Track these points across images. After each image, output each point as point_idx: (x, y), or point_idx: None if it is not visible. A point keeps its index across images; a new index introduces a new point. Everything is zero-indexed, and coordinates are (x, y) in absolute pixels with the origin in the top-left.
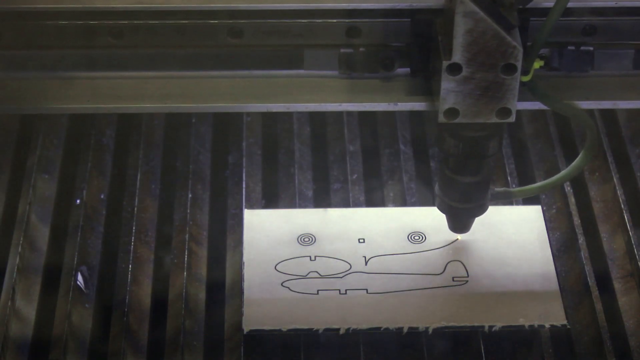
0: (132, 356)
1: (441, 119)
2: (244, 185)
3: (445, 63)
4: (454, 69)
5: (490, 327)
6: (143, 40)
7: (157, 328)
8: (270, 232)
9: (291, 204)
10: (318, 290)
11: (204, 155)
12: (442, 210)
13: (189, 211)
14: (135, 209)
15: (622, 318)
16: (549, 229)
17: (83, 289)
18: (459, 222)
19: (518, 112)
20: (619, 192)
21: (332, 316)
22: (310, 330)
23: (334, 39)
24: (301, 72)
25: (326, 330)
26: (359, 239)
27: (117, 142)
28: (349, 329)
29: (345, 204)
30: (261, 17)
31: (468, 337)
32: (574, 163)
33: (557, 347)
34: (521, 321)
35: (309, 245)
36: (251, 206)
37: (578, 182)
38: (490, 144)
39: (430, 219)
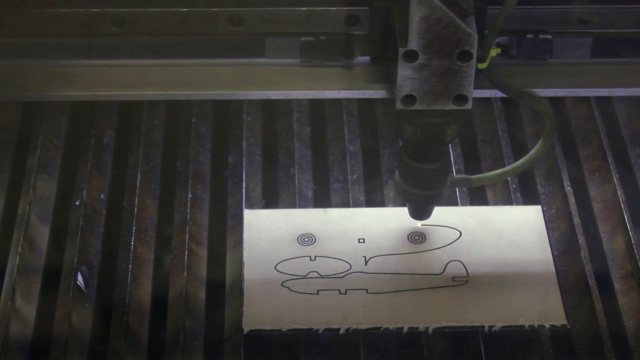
0: (132, 356)
1: (398, 105)
2: (244, 185)
3: (401, 50)
4: (410, 55)
5: (490, 327)
6: (144, 28)
7: (157, 328)
8: (270, 232)
9: (291, 204)
10: (318, 290)
11: (204, 155)
12: (402, 197)
13: (189, 211)
14: (135, 209)
15: (622, 318)
16: (549, 229)
17: (83, 289)
18: (420, 209)
19: (518, 112)
20: (619, 192)
21: (332, 316)
22: (310, 330)
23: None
24: (262, 60)
25: (326, 330)
26: (359, 239)
27: (117, 142)
28: (349, 329)
29: (345, 204)
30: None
31: (468, 337)
32: (532, 151)
33: (557, 347)
34: (521, 321)
35: (309, 245)
36: (251, 206)
37: (578, 182)
38: (448, 130)
39: (430, 219)
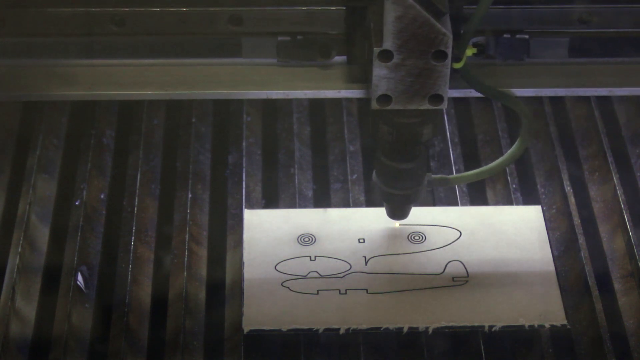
0: (132, 356)
1: (374, 105)
2: (244, 185)
3: (376, 50)
4: (385, 55)
5: (490, 327)
6: (144, 28)
7: (157, 328)
8: (270, 232)
9: (291, 204)
10: (318, 290)
11: (204, 155)
12: (379, 197)
13: (189, 211)
14: (135, 209)
15: (622, 318)
16: (549, 229)
17: (83, 289)
18: (397, 208)
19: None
20: (619, 192)
21: (332, 316)
22: (310, 330)
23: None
24: (239, 60)
25: (326, 330)
26: (359, 239)
27: (117, 142)
28: (349, 329)
29: (345, 204)
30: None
31: (468, 337)
32: (510, 150)
33: (557, 347)
34: (521, 321)
35: (309, 245)
36: (251, 206)
37: (578, 182)
38: (424, 130)
39: (430, 219)
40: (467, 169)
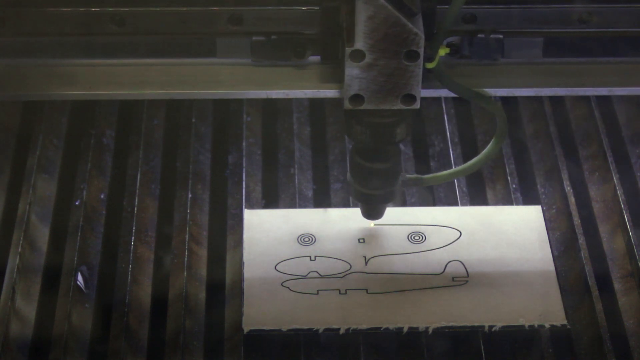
0: (132, 356)
1: (347, 105)
2: (244, 185)
3: (348, 49)
4: (357, 55)
5: (490, 327)
6: (144, 27)
7: (157, 328)
8: (270, 232)
9: (291, 204)
10: (318, 290)
11: (204, 155)
12: (353, 197)
13: (189, 211)
14: (135, 209)
15: (622, 318)
16: (549, 229)
17: (83, 289)
18: (372, 208)
19: (517, 111)
20: (619, 192)
21: (332, 316)
22: (310, 330)
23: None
24: (214, 59)
25: (326, 330)
26: (359, 239)
27: (117, 142)
28: (349, 329)
29: (345, 204)
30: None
31: (468, 337)
32: (485, 150)
33: (557, 347)
34: (521, 321)
35: (309, 245)
36: (251, 206)
37: (578, 182)
38: (397, 130)
39: (430, 219)
40: None
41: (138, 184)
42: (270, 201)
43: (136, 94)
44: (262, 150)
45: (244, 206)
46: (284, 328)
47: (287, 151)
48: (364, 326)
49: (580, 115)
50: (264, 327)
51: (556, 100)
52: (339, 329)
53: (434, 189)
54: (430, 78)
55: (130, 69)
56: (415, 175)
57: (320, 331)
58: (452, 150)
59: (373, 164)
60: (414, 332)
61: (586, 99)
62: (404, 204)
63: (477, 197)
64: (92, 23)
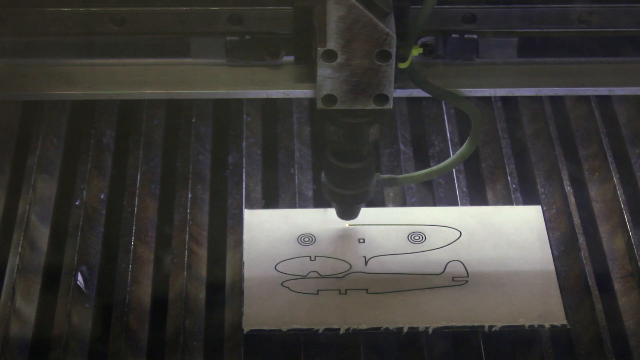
0: (132, 356)
1: (319, 105)
2: (244, 185)
3: (320, 49)
4: (329, 55)
5: (490, 327)
6: (144, 27)
7: (157, 328)
8: (270, 232)
9: (291, 204)
10: (318, 290)
11: (204, 155)
12: (328, 197)
13: (189, 211)
14: (135, 209)
15: (622, 318)
16: (549, 229)
17: (83, 289)
18: (346, 209)
19: (518, 111)
20: (619, 192)
21: (332, 316)
22: (310, 330)
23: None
24: (188, 59)
25: (326, 330)
26: (359, 239)
27: (117, 142)
28: (349, 329)
29: None
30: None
31: (468, 337)
32: (459, 151)
33: (557, 347)
34: (521, 321)
35: (309, 245)
36: (251, 206)
37: (578, 182)
38: (370, 130)
39: (430, 219)
40: (466, 169)
41: (138, 184)
42: (270, 201)
43: (136, 94)
44: (262, 150)
45: (244, 206)
46: (284, 328)
47: (287, 151)
48: (364, 326)
49: (580, 115)
50: (264, 327)
51: (556, 100)
52: (338, 329)
53: (434, 189)
54: (404, 78)
55: (130, 69)
56: (389, 176)
57: (320, 331)
58: (452, 150)
59: (347, 164)
60: (414, 332)
61: (586, 99)
62: (404, 204)
63: (477, 197)
64: (92, 23)
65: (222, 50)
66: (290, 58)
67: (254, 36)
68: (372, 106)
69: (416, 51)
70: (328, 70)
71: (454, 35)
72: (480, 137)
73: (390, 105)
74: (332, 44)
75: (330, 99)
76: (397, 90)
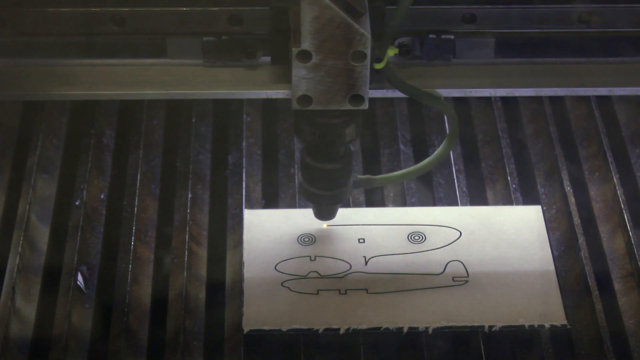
0: (132, 356)
1: (295, 105)
2: (244, 185)
3: (295, 50)
4: (304, 56)
5: (490, 327)
6: (144, 27)
7: (157, 328)
8: (270, 232)
9: (291, 204)
10: (318, 290)
11: (204, 155)
12: (304, 198)
13: (189, 211)
14: (135, 209)
15: (622, 318)
16: (549, 229)
17: (83, 289)
18: (323, 209)
19: (518, 112)
20: (619, 192)
21: (332, 316)
22: (310, 330)
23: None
24: (165, 60)
25: (326, 330)
26: (359, 239)
27: (117, 142)
28: (349, 329)
29: (345, 204)
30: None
31: (468, 337)
32: (436, 152)
33: (557, 347)
34: (521, 321)
35: (309, 245)
36: (251, 206)
37: (578, 182)
38: (346, 130)
39: (430, 219)
40: (466, 169)
41: (138, 184)
42: (270, 201)
43: (136, 94)
44: (262, 150)
45: (244, 206)
46: (284, 328)
47: (287, 151)
48: (364, 326)
49: (580, 115)
50: (264, 327)
51: (556, 100)
52: (339, 329)
53: (434, 189)
54: (380, 79)
55: (130, 69)
56: (366, 176)
57: (320, 331)
58: (452, 150)
59: (323, 164)
60: (414, 332)
61: (586, 99)
62: (404, 204)
63: (477, 197)
64: (92, 23)
65: (199, 51)
66: (266, 58)
67: (231, 37)
68: (347, 107)
69: (392, 52)
70: (303, 70)
71: (430, 36)
72: (457, 138)
73: (365, 105)
74: (306, 44)
75: (305, 99)
76: (373, 90)
